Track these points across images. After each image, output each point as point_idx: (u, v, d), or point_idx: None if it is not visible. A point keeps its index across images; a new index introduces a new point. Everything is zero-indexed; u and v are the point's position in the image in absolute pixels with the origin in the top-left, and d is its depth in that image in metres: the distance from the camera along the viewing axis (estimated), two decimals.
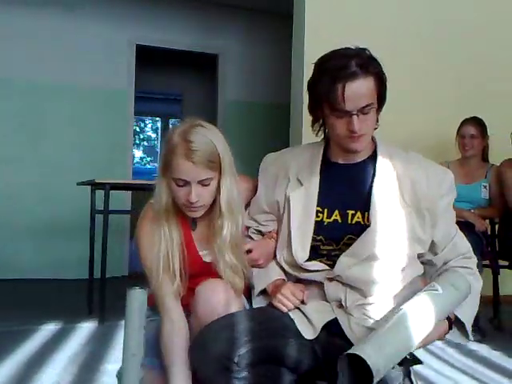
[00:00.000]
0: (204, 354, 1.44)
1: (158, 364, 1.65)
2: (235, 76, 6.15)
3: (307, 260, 1.56)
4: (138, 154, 14.54)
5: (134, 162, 10.49)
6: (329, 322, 1.52)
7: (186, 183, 1.51)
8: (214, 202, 1.58)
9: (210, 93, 6.63)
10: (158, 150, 11.72)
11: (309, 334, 1.55)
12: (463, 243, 1.61)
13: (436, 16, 4.23)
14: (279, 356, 1.53)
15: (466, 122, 3.60)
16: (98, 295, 3.34)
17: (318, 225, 1.57)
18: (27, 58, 5.26)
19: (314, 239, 1.57)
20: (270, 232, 1.71)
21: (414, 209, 1.53)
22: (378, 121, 1.58)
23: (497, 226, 3.63)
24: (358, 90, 1.45)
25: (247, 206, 1.76)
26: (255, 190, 1.76)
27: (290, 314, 1.55)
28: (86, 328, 3.19)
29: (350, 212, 1.56)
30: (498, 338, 3.13)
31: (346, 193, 1.58)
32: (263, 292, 1.65)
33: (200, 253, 1.64)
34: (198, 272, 1.61)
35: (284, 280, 1.62)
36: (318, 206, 1.58)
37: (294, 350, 1.52)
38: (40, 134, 5.32)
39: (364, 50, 1.55)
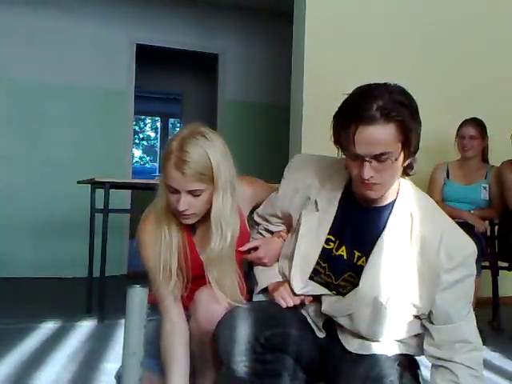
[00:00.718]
0: (232, 335, 1.48)
1: (157, 364, 1.66)
2: (235, 76, 6.15)
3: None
4: (138, 153, 14.55)
5: (134, 161, 10.48)
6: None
7: (176, 191, 1.50)
8: (209, 212, 1.56)
9: (210, 93, 6.64)
10: (158, 149, 11.72)
11: (319, 332, 1.58)
12: (470, 330, 1.46)
13: (436, 16, 4.23)
14: (294, 345, 1.56)
15: (465, 122, 3.60)
16: (97, 294, 3.34)
17: (327, 253, 1.54)
18: (27, 58, 5.26)
19: (319, 264, 1.54)
20: (279, 231, 1.72)
21: (417, 272, 1.43)
22: (411, 167, 1.45)
23: (496, 227, 3.63)
24: (372, 136, 1.33)
25: (255, 207, 1.75)
26: (261, 192, 1.75)
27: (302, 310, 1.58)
28: (85, 326, 3.19)
29: (357, 253, 1.51)
30: (497, 340, 3.12)
31: (357, 232, 1.52)
32: (264, 290, 1.66)
33: (201, 255, 1.63)
34: (201, 274, 1.61)
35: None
36: (330, 234, 1.54)
37: (307, 342, 1.57)
38: (39, 133, 5.32)
39: (397, 90, 1.39)
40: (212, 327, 1.52)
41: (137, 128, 14.04)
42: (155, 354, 1.67)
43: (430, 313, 1.45)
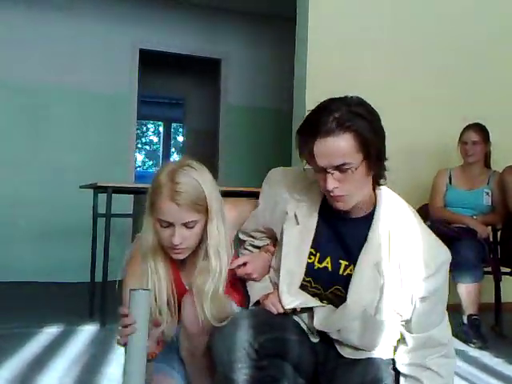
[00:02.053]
0: (226, 341, 1.50)
1: (166, 367, 1.68)
2: (238, 81, 6.16)
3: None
4: (140, 158, 14.57)
5: (136, 165, 10.50)
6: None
7: (170, 225, 1.49)
8: (199, 243, 1.56)
9: (213, 97, 6.65)
10: (160, 154, 11.74)
11: (313, 337, 1.58)
12: (444, 335, 1.52)
13: (439, 21, 4.24)
14: (290, 350, 1.58)
15: (468, 128, 3.60)
16: (100, 298, 3.34)
17: (309, 266, 1.55)
18: (30, 62, 5.29)
19: (303, 279, 1.56)
20: (266, 245, 1.73)
21: (398, 282, 1.46)
22: (380, 177, 1.47)
23: (499, 233, 3.62)
24: (330, 147, 1.36)
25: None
26: (245, 213, 1.75)
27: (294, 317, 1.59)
28: (87, 331, 3.18)
29: (344, 263, 1.53)
30: (499, 345, 3.12)
31: (340, 243, 1.54)
32: (257, 303, 1.67)
33: (187, 287, 1.63)
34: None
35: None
36: (312, 247, 1.55)
37: (304, 347, 1.58)
38: (42, 138, 5.34)
39: (355, 102, 1.41)
40: (198, 331, 1.53)
41: (139, 132, 14.07)
42: (167, 358, 1.69)
43: (409, 321, 1.48)
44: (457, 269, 3.24)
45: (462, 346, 3.09)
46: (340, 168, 1.37)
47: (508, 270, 3.50)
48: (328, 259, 1.54)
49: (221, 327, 1.55)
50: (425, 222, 3.64)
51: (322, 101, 1.45)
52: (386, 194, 1.52)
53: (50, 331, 3.15)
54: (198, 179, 1.51)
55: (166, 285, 1.58)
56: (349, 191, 1.42)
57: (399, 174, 4.06)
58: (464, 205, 3.54)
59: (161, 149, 11.79)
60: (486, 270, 3.35)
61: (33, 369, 2.45)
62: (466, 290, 3.22)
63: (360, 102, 1.42)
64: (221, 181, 6.10)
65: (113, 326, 3.17)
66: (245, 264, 1.69)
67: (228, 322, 1.56)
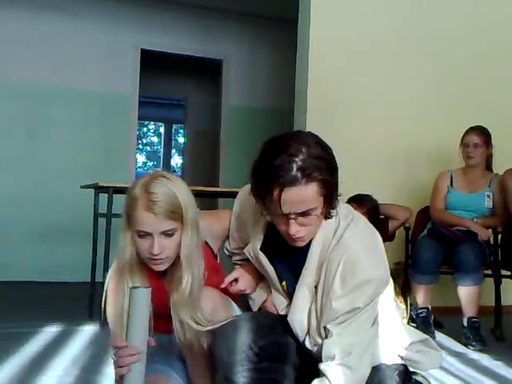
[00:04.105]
0: (227, 344, 1.54)
1: (168, 368, 1.70)
2: (239, 81, 6.17)
3: None
4: (141, 159, 14.57)
5: (137, 166, 10.50)
6: None
7: (148, 234, 1.49)
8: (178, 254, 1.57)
9: (214, 98, 6.66)
10: (161, 155, 11.74)
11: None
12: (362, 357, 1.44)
13: (440, 23, 4.25)
14: (290, 353, 1.62)
15: (470, 130, 3.61)
16: (100, 299, 3.33)
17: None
18: (30, 62, 5.32)
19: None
20: None
21: (319, 303, 1.49)
22: (332, 208, 1.46)
23: (500, 236, 3.62)
24: (297, 196, 1.36)
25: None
26: (227, 225, 1.79)
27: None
28: (86, 331, 3.18)
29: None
30: (499, 348, 3.12)
31: (290, 268, 1.59)
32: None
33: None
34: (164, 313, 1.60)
35: None
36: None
37: (304, 350, 1.59)
38: (41, 138, 5.38)
39: (313, 142, 1.40)
40: None
41: (140, 133, 14.08)
42: (166, 358, 1.70)
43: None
44: (457, 271, 3.26)
45: (461, 349, 3.09)
46: (304, 213, 1.39)
47: (508, 273, 3.51)
48: (284, 283, 1.61)
49: (221, 329, 1.58)
50: (426, 223, 3.70)
51: (273, 138, 1.44)
52: (327, 223, 1.50)
53: (50, 331, 3.15)
54: (173, 188, 1.51)
55: None
56: (309, 232, 1.45)
57: (400, 176, 4.16)
58: (465, 207, 3.55)
59: (161, 150, 11.79)
60: (486, 272, 3.36)
61: (33, 368, 2.45)
62: (466, 292, 3.23)
63: (316, 141, 1.41)
64: (221, 180, 6.12)
65: None
66: (236, 280, 1.72)
67: (228, 324, 1.58)
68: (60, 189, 5.24)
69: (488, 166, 3.67)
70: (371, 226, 1.57)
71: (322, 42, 3.99)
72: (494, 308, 3.53)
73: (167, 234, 1.50)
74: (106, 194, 3.44)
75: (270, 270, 1.60)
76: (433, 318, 3.40)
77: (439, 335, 3.34)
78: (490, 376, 2.58)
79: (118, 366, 1.34)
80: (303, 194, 1.36)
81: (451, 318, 3.46)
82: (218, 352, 1.57)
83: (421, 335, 1.73)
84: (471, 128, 3.61)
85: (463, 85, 4.26)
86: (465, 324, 3.24)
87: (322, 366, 1.40)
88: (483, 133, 3.57)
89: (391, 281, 1.60)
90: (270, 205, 1.41)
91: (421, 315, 3.35)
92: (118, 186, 3.53)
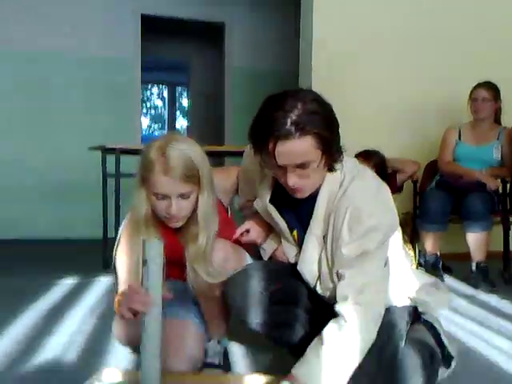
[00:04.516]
0: (241, 289, 1.62)
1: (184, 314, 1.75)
2: (242, 43, 6.12)
3: None
4: (146, 122, 14.54)
5: (142, 129, 10.50)
6: None
7: (166, 196, 1.53)
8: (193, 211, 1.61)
9: (217, 60, 6.60)
10: (166, 117, 11.72)
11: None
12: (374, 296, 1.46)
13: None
14: (300, 297, 1.68)
15: (478, 85, 3.59)
16: (113, 252, 3.38)
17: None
18: (31, 28, 5.28)
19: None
20: None
21: (330, 253, 1.51)
22: (336, 162, 1.48)
23: (508, 185, 3.63)
24: (291, 149, 1.38)
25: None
26: (237, 181, 1.85)
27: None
28: (102, 282, 3.25)
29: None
30: (507, 290, 3.17)
31: (298, 218, 1.63)
32: None
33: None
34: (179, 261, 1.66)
35: None
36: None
37: (315, 294, 1.63)
38: (49, 101, 5.38)
39: (309, 98, 1.42)
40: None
41: (144, 97, 13.99)
42: (182, 303, 1.77)
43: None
44: (466, 219, 3.28)
45: (470, 291, 3.15)
46: (300, 165, 1.42)
47: None
48: (295, 232, 1.64)
49: (234, 276, 1.64)
50: (434, 176, 3.71)
51: (273, 95, 1.46)
52: (332, 176, 1.51)
53: (66, 283, 3.22)
54: (188, 151, 1.54)
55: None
56: (309, 183, 1.48)
57: (411, 132, 4.15)
58: (473, 160, 3.55)
59: (166, 112, 11.75)
60: (494, 220, 3.39)
61: (52, 317, 2.51)
62: (475, 238, 3.27)
63: (314, 98, 1.43)
64: (227, 141, 6.13)
65: None
66: (248, 231, 1.77)
67: (240, 272, 1.65)
68: (69, 150, 5.30)
69: (496, 120, 3.66)
70: (378, 178, 1.58)
71: (327, 2, 3.94)
72: (503, 253, 3.57)
73: (184, 196, 1.54)
74: (114, 156, 3.50)
75: (280, 221, 1.64)
76: (441, 263, 3.45)
77: (448, 279, 3.40)
78: (498, 315, 2.64)
79: (133, 310, 1.34)
80: (297, 147, 1.38)
81: (460, 263, 3.51)
82: (231, 298, 1.64)
83: (430, 278, 1.77)
84: (479, 83, 3.59)
85: (473, 40, 4.18)
86: (473, 268, 3.29)
87: (337, 307, 1.43)
88: (491, 88, 3.55)
89: (399, 229, 1.63)
90: (267, 158, 1.44)
91: (429, 261, 3.39)
92: (125, 147, 3.59)
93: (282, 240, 1.70)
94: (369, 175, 1.56)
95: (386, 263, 1.51)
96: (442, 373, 1.71)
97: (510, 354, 2.07)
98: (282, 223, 1.64)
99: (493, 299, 2.97)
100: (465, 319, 2.55)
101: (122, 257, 1.69)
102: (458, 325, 2.44)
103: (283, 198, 1.57)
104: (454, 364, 1.74)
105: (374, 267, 1.46)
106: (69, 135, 5.37)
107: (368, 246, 1.43)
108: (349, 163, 1.55)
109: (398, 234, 1.62)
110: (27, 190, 5.26)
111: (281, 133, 1.37)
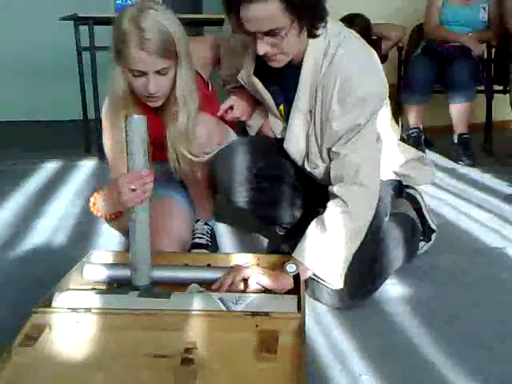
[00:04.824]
0: (227, 166, 1.60)
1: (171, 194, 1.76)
2: None
3: None
4: None
5: None
6: None
7: (143, 73, 1.44)
8: (172, 89, 1.52)
9: None
10: None
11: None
12: (366, 171, 1.43)
13: None
14: (287, 174, 1.67)
15: None
16: (95, 135, 3.34)
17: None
18: None
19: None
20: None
21: (319, 126, 1.46)
22: (316, 28, 1.38)
23: (493, 51, 3.55)
24: (255, 13, 1.29)
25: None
26: (215, 48, 1.74)
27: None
28: (85, 165, 3.24)
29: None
30: (488, 162, 3.20)
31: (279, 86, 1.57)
32: None
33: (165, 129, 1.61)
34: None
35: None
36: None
37: (301, 171, 1.64)
38: None
39: None
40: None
41: None
42: (167, 183, 1.77)
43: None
44: (450, 89, 3.25)
45: (451, 165, 3.20)
46: (269, 33, 1.33)
47: (500, 87, 3.51)
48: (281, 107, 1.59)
49: (220, 153, 1.61)
50: (420, 41, 3.59)
51: None
52: (315, 42, 1.42)
53: (50, 167, 3.21)
54: (164, 21, 1.42)
55: None
56: (282, 51, 1.39)
57: None
58: (459, 22, 3.44)
59: None
60: (478, 89, 3.36)
61: (38, 200, 2.53)
62: (458, 109, 3.25)
63: None
64: (205, 9, 5.80)
65: None
66: (232, 108, 1.70)
67: (226, 147, 1.62)
68: (39, 22, 4.98)
69: None
70: (364, 42, 1.50)
71: None
72: (485, 124, 3.59)
73: (162, 72, 1.46)
74: (87, 27, 3.28)
75: (266, 94, 1.58)
76: (424, 137, 3.46)
77: (430, 153, 3.43)
78: (478, 188, 2.69)
79: (133, 198, 1.30)
80: (263, 11, 1.29)
81: (442, 137, 3.52)
82: (217, 174, 1.63)
83: (416, 153, 1.76)
84: None
85: None
86: (455, 141, 3.31)
87: (334, 188, 1.42)
88: None
89: (388, 101, 1.58)
90: (236, 24, 1.36)
91: (412, 135, 3.40)
92: (99, 16, 3.36)
93: (269, 115, 1.65)
94: (355, 40, 1.48)
95: (378, 138, 1.49)
96: (423, 246, 1.79)
97: (490, 226, 2.14)
98: (267, 97, 1.58)
99: (473, 172, 3.02)
100: (445, 192, 2.61)
101: (107, 143, 1.66)
102: (438, 198, 2.50)
103: (267, 69, 1.50)
104: (434, 237, 1.81)
105: (367, 143, 1.44)
106: (39, 5, 5.02)
107: (359, 119, 1.39)
108: (333, 27, 1.45)
109: (387, 105, 1.59)
110: None
111: None
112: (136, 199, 1.29)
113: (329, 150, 1.46)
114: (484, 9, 3.42)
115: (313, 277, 1.40)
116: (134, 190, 1.28)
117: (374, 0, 3.80)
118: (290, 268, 1.36)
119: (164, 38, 1.42)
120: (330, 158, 1.48)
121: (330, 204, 1.42)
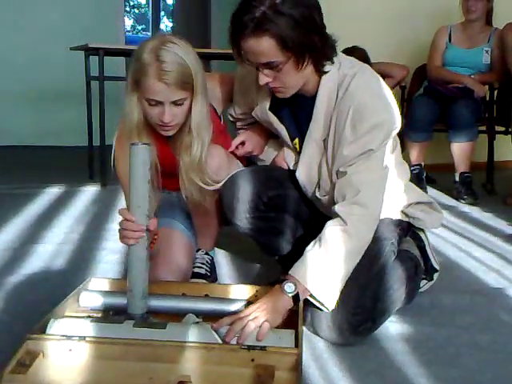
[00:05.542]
0: (237, 194, 1.60)
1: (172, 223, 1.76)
2: None
3: None
4: (129, 22, 13.99)
5: (126, 30, 10.10)
6: None
7: (159, 103, 1.47)
8: (186, 119, 1.56)
9: None
10: (150, 18, 11.23)
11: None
12: (371, 195, 1.44)
13: None
14: (295, 205, 1.68)
15: None
16: (99, 161, 3.37)
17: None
18: None
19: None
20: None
21: (331, 151, 1.48)
22: (322, 65, 1.43)
23: (495, 92, 3.60)
24: (251, 47, 1.37)
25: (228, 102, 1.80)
26: (230, 86, 1.77)
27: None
28: (88, 191, 3.25)
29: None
30: (489, 202, 3.20)
31: (297, 123, 1.60)
32: None
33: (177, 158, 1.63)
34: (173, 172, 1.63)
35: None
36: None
37: (308, 202, 1.66)
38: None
39: None
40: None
41: None
42: (169, 212, 1.78)
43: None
44: (451, 128, 3.28)
45: (453, 202, 3.20)
46: (267, 65, 1.38)
47: (502, 129, 3.53)
48: (296, 140, 1.61)
49: (232, 179, 1.62)
50: (423, 82, 3.65)
51: None
52: (329, 75, 1.46)
53: (53, 191, 3.22)
54: (183, 56, 1.47)
55: (154, 159, 1.59)
56: (283, 84, 1.44)
57: (400, 35, 4.00)
58: (462, 64, 3.49)
59: (150, 13, 11.26)
60: (480, 129, 3.38)
61: (38, 225, 2.53)
62: (460, 148, 3.27)
63: None
64: (214, 44, 5.92)
65: (113, 187, 3.23)
66: (243, 143, 1.72)
67: (239, 172, 1.63)
68: (51, 51, 5.09)
69: (488, 21, 3.55)
70: (377, 74, 1.53)
71: None
72: (487, 163, 3.60)
73: (178, 102, 1.49)
74: (97, 57, 3.34)
75: (282, 129, 1.61)
76: (425, 174, 3.47)
77: (431, 190, 3.44)
78: (479, 227, 2.68)
79: (123, 237, 1.34)
80: (258, 46, 1.35)
81: (443, 175, 3.53)
82: (226, 199, 1.62)
83: (426, 197, 1.76)
84: None
85: None
86: (457, 179, 3.32)
87: (335, 207, 1.43)
88: None
89: (398, 139, 1.61)
90: (238, 55, 1.42)
91: (414, 171, 3.41)
92: (109, 47, 3.43)
93: (284, 147, 1.67)
94: (369, 72, 1.51)
95: (386, 167, 1.49)
96: (424, 284, 1.78)
97: (490, 266, 2.12)
98: (283, 131, 1.61)
99: (474, 211, 3.02)
100: (446, 230, 2.59)
101: (120, 171, 1.66)
102: (438, 236, 2.48)
103: (282, 102, 1.54)
104: (436, 277, 1.79)
105: (373, 167, 1.45)
106: (50, 35, 5.13)
107: (371, 145, 1.41)
108: (346, 61, 1.50)
109: (397, 142, 1.61)
110: (7, 94, 5.09)
111: (240, 27, 1.35)
112: (129, 242, 1.32)
113: (337, 172, 1.48)
114: (487, 52, 3.47)
115: (308, 297, 1.38)
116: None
117: (380, 38, 3.88)
118: (289, 288, 1.34)
119: (182, 71, 1.45)
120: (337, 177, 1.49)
121: (330, 222, 1.42)
